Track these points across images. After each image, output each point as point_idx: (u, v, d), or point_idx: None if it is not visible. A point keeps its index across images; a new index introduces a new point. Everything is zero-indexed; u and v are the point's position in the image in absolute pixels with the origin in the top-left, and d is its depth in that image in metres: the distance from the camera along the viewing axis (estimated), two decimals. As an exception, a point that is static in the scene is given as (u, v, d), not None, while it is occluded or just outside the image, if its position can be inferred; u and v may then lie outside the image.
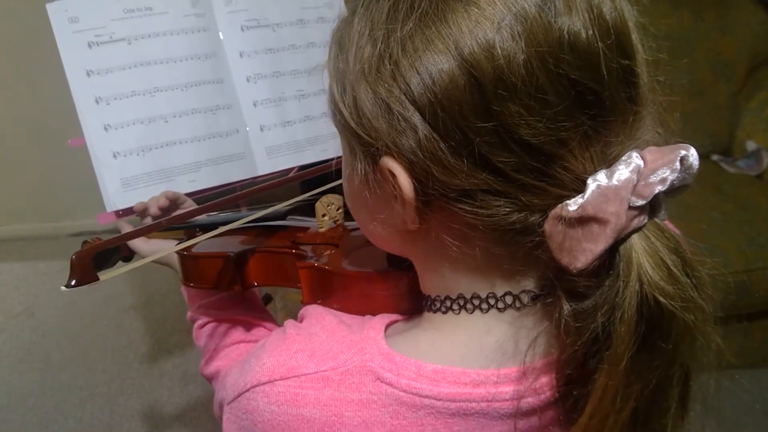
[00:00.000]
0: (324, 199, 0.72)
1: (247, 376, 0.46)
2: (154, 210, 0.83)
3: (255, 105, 1.06)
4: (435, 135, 0.37)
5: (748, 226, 1.65)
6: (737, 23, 2.00)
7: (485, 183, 0.38)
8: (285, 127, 1.08)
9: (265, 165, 1.07)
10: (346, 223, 0.73)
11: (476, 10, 0.36)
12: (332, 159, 0.67)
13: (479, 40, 0.36)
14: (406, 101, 0.38)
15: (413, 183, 0.39)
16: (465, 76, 0.36)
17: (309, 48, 1.12)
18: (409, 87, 0.37)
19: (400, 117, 0.38)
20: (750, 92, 2.01)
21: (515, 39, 0.35)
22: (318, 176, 0.74)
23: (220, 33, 1.05)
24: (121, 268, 0.57)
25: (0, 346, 2.04)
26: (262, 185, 0.68)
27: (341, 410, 0.43)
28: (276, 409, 0.44)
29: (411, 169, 0.39)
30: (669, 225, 0.40)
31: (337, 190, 0.70)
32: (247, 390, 0.45)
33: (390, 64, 0.38)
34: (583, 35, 0.36)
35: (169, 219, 0.73)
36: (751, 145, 1.96)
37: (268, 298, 1.58)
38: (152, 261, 0.79)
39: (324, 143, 1.12)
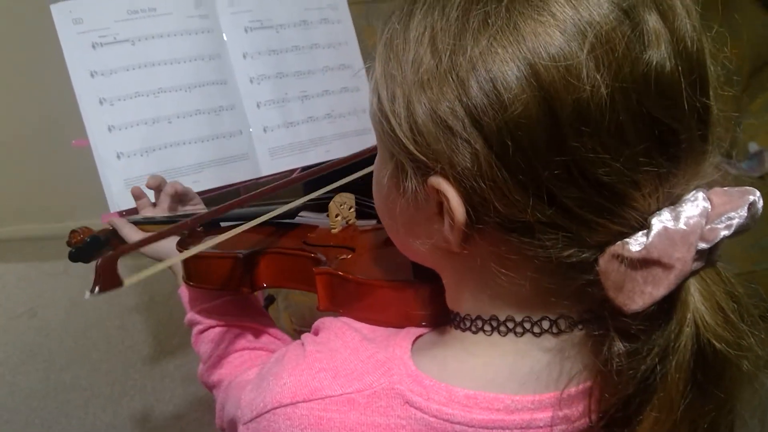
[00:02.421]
0: (337, 198, 0.69)
1: (267, 396, 0.44)
2: (163, 192, 0.80)
3: (258, 106, 1.06)
4: (499, 164, 0.34)
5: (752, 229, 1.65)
6: (741, 25, 2.00)
7: (546, 217, 0.35)
8: (288, 128, 1.08)
9: (269, 166, 1.07)
10: (358, 223, 0.71)
11: (559, 34, 0.33)
12: (335, 159, 0.66)
13: (560, 68, 0.33)
14: (470, 124, 0.35)
15: (466, 209, 0.37)
16: (541, 105, 0.33)
17: (312, 49, 1.12)
18: (476, 109, 0.34)
19: (460, 139, 0.35)
20: (753, 94, 2.01)
21: (600, 70, 0.33)
22: (322, 176, 0.72)
23: (224, 34, 1.05)
24: (146, 271, 0.52)
25: (3, 347, 2.04)
26: (268, 187, 0.65)
27: None
28: None
29: (465, 194, 0.36)
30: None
31: (349, 188, 0.69)
32: (267, 411, 0.43)
33: (455, 81, 0.35)
34: (668, 70, 0.34)
35: (192, 220, 0.69)
36: (753, 147, 1.96)
37: (271, 299, 1.58)
38: (142, 253, 0.77)
39: (328, 144, 1.12)
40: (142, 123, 0.97)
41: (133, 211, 0.96)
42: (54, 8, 0.94)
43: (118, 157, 0.96)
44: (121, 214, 0.96)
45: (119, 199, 0.95)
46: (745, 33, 2.00)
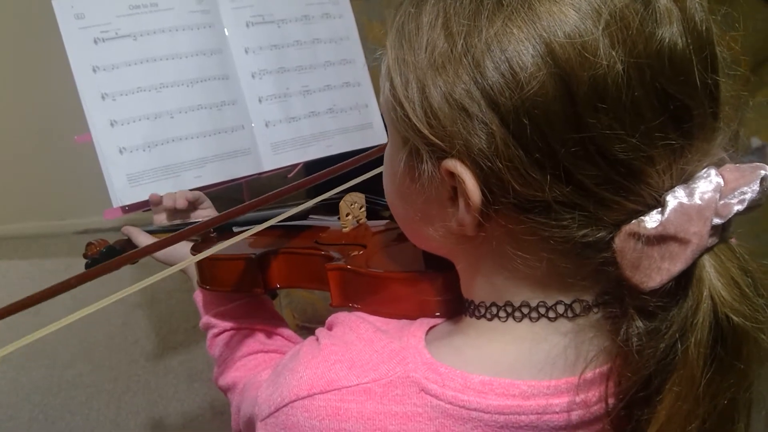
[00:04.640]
0: (347, 197, 0.70)
1: (284, 391, 0.44)
2: (169, 204, 0.81)
3: (260, 101, 1.06)
4: (516, 143, 0.35)
5: (753, 222, 1.65)
6: (742, 19, 2.00)
7: (563, 196, 0.36)
8: (290, 123, 1.08)
9: (271, 161, 1.07)
10: (369, 222, 0.71)
11: (574, 12, 0.34)
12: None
13: (576, 46, 0.33)
14: (486, 105, 0.35)
15: (482, 190, 0.37)
16: (557, 83, 0.34)
17: (314, 44, 1.12)
18: (492, 90, 0.35)
19: (476, 121, 0.36)
20: (754, 88, 2.01)
21: (615, 47, 0.33)
22: (330, 177, 0.71)
23: (226, 29, 1.05)
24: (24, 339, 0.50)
25: (6, 344, 2.05)
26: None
27: (385, 424, 0.41)
28: (317, 424, 0.42)
29: (481, 176, 0.37)
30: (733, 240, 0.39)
31: (359, 188, 0.69)
32: (285, 405, 0.44)
33: (470, 63, 0.35)
34: (680, 47, 0.34)
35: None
36: (755, 142, 1.96)
37: (273, 294, 1.58)
38: (162, 263, 0.77)
39: (329, 139, 1.12)
40: (145, 118, 0.97)
41: (136, 206, 0.96)
42: (56, 3, 0.94)
43: (121, 152, 0.96)
44: (124, 209, 0.96)
45: (122, 194, 0.95)
46: (747, 27, 2.00)
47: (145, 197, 0.95)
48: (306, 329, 1.55)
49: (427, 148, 0.39)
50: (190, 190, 0.91)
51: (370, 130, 1.16)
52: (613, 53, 0.33)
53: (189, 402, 1.76)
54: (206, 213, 0.87)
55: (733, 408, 0.39)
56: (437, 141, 0.38)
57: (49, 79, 1.78)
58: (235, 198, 1.15)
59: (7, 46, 2.30)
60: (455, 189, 0.39)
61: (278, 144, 1.07)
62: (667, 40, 0.34)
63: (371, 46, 1.24)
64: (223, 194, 1.05)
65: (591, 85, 0.33)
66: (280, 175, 1.10)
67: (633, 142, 0.34)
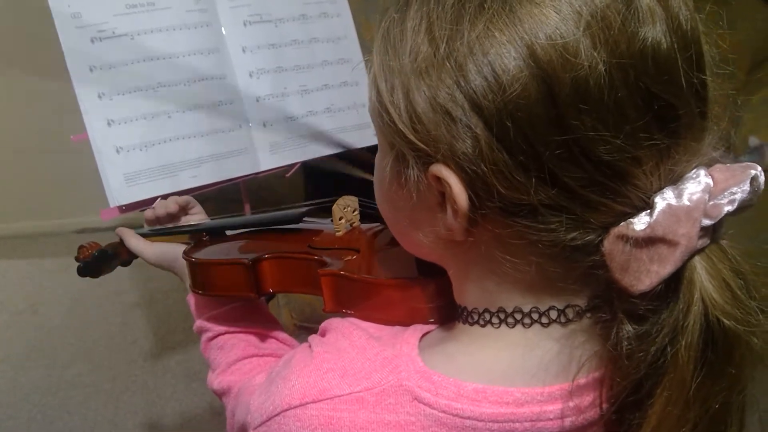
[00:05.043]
0: (340, 201, 0.69)
1: (276, 399, 0.44)
2: (161, 212, 0.82)
3: (258, 100, 1.06)
4: (500, 146, 0.35)
5: (750, 222, 1.65)
6: (740, 19, 2.00)
7: (549, 198, 0.35)
8: (288, 123, 1.08)
9: (268, 160, 1.07)
10: (363, 225, 0.71)
11: (555, 14, 0.34)
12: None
13: (557, 48, 0.33)
14: (469, 108, 0.35)
15: (469, 195, 0.37)
16: (539, 85, 0.33)
17: (311, 43, 1.12)
18: (475, 93, 0.35)
19: (460, 124, 0.36)
20: (753, 88, 2.01)
21: (596, 48, 0.33)
22: (325, 172, 0.71)
23: (223, 28, 1.05)
24: None
25: (5, 344, 2.05)
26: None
27: None
28: None
29: (467, 180, 0.37)
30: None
31: (352, 191, 0.69)
32: (277, 414, 0.43)
33: (453, 67, 0.36)
34: (665, 47, 0.34)
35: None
36: (753, 141, 1.96)
37: (269, 297, 1.58)
38: (154, 266, 0.77)
39: (327, 139, 1.12)
40: (141, 117, 0.97)
41: (133, 205, 0.96)
42: (53, 2, 0.94)
43: (118, 151, 0.96)
44: (120, 209, 0.96)
45: (119, 193, 0.95)
46: (745, 26, 2.00)
47: (142, 197, 0.95)
48: (304, 329, 1.55)
49: (413, 153, 0.39)
50: (182, 192, 0.90)
51: (368, 130, 1.16)
52: (595, 54, 0.33)
53: (187, 402, 1.76)
54: (197, 217, 0.87)
55: (725, 412, 0.38)
56: (422, 146, 0.38)
57: (47, 79, 1.78)
58: (232, 198, 1.14)
59: (4, 45, 2.30)
60: (443, 194, 0.39)
61: (276, 144, 1.07)
62: (650, 40, 0.34)
63: (369, 45, 1.24)
64: (220, 194, 1.04)
65: (573, 86, 0.33)
66: (278, 174, 1.10)
67: (617, 143, 0.34)
